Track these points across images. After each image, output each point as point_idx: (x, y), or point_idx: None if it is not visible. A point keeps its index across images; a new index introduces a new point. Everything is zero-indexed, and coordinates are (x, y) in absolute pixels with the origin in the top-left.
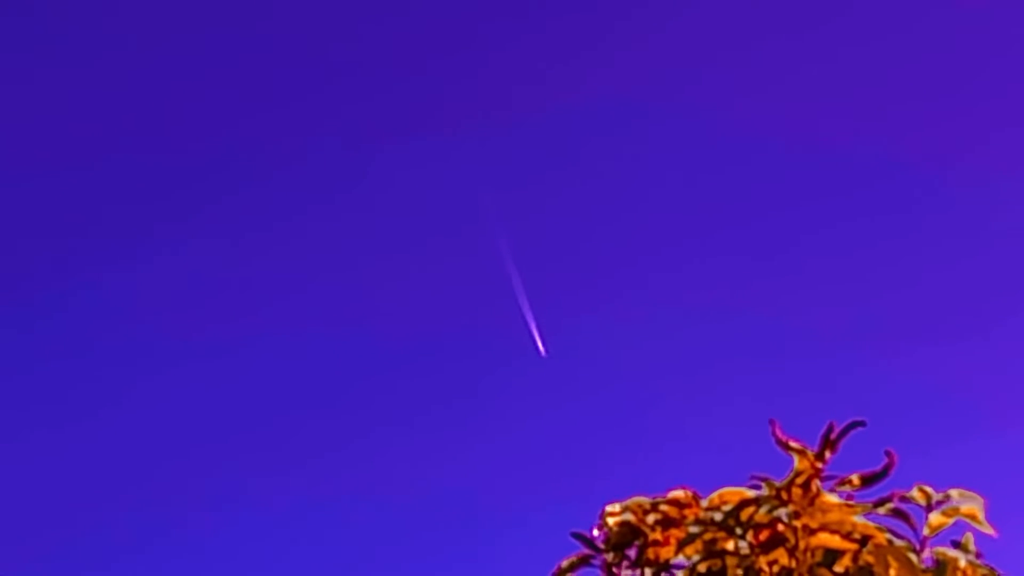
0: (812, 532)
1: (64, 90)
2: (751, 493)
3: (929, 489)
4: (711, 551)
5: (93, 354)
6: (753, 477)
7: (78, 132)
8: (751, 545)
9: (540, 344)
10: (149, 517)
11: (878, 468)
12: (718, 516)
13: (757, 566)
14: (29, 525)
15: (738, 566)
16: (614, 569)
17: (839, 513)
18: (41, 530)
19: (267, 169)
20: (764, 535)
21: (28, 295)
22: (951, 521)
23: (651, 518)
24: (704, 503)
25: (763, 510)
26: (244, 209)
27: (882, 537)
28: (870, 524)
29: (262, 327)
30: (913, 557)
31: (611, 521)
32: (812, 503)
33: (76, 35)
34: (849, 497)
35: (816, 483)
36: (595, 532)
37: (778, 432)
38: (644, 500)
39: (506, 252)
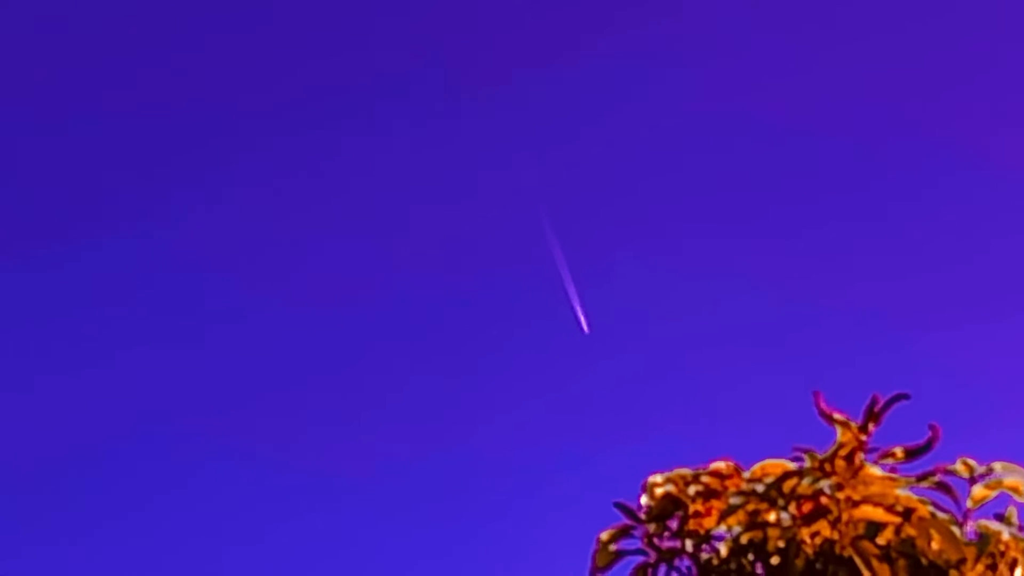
0: (855, 504)
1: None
2: (793, 465)
3: (973, 462)
4: (753, 522)
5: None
6: (796, 449)
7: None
8: (793, 517)
9: (583, 321)
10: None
11: (922, 441)
12: (760, 488)
13: (799, 538)
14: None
15: (780, 538)
16: (655, 540)
17: (882, 485)
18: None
19: (302, 129)
20: (807, 507)
21: (32, 253)
22: (994, 494)
23: (692, 489)
24: (746, 475)
25: (806, 482)
26: (284, 173)
27: (925, 510)
28: (913, 497)
29: (296, 291)
30: (956, 530)
31: (653, 492)
32: (855, 475)
33: None
34: (892, 470)
35: (859, 455)
36: (639, 503)
37: (822, 404)
38: (686, 471)
39: (549, 229)
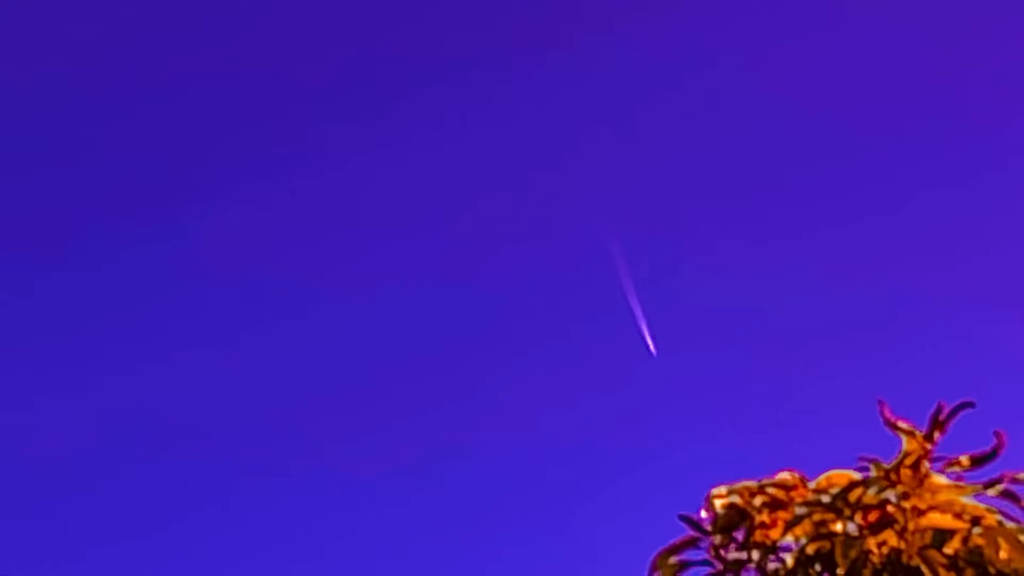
0: (921, 513)
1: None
2: (859, 475)
3: None
4: (819, 533)
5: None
6: (861, 459)
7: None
8: (860, 527)
9: (651, 343)
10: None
11: (987, 449)
12: (826, 498)
13: (866, 547)
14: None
15: (846, 547)
16: (722, 552)
17: (948, 494)
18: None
19: (355, 143)
20: (873, 516)
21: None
22: None
23: (758, 500)
24: (811, 485)
25: (872, 491)
26: (344, 180)
27: (992, 518)
28: (980, 505)
29: (360, 309)
30: None
31: (718, 504)
32: (921, 484)
33: None
34: (958, 478)
35: (925, 464)
36: (702, 515)
37: (887, 413)
38: (751, 483)
39: (617, 252)
